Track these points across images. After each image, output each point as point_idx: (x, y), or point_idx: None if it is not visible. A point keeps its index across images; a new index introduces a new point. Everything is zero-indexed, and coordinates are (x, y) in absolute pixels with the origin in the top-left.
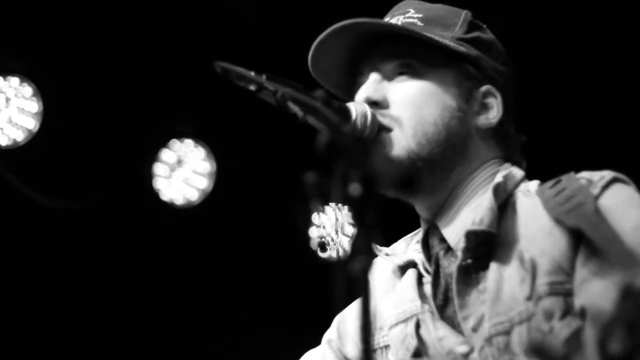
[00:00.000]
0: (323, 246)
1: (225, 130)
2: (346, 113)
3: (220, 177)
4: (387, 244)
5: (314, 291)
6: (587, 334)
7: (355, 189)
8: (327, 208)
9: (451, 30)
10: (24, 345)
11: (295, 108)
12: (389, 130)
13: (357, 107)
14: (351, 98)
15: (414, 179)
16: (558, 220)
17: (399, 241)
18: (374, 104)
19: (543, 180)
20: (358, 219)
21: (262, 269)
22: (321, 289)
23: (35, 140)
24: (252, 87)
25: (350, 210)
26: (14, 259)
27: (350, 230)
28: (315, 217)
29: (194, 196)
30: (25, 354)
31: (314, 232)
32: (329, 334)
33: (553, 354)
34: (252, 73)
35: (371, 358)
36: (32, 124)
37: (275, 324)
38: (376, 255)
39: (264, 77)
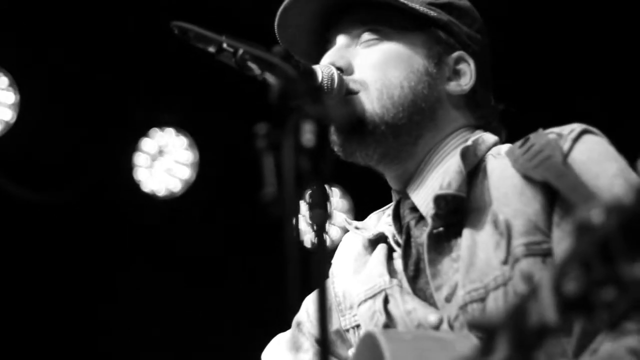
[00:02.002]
0: (275, 201)
1: (207, 118)
2: (311, 74)
3: (203, 167)
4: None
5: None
6: (543, 279)
7: (308, 139)
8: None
9: None
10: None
11: (255, 67)
12: (355, 93)
13: (323, 69)
14: None
15: (363, 119)
16: (526, 177)
17: (370, 216)
18: (339, 70)
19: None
20: (313, 171)
21: (245, 261)
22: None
23: (12, 132)
24: (212, 49)
25: (305, 160)
26: None
27: (306, 181)
28: (270, 170)
29: (176, 187)
30: (3, 350)
31: (270, 183)
32: (299, 317)
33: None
34: (211, 33)
35: (327, 333)
36: (9, 115)
37: (256, 313)
38: (346, 225)
39: (223, 37)
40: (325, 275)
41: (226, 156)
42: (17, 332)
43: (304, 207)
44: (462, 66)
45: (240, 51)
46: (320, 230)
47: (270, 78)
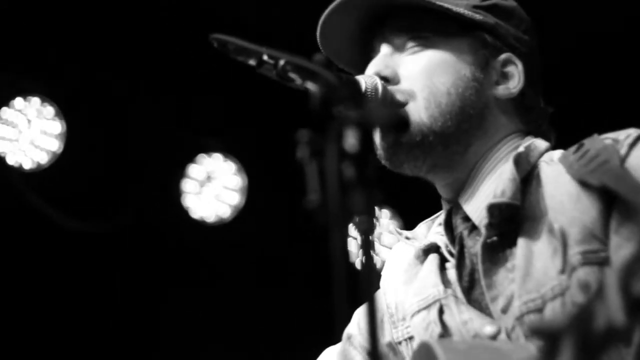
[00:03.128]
0: (319, 209)
1: (254, 142)
2: (355, 85)
3: (252, 192)
4: (411, 228)
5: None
6: (609, 278)
7: (351, 145)
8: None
9: None
10: None
11: (296, 77)
12: (403, 105)
13: (367, 80)
14: None
15: (406, 120)
16: (583, 182)
17: (420, 225)
18: (384, 79)
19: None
20: (357, 178)
21: (297, 283)
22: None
23: (58, 162)
24: (252, 62)
25: (348, 167)
26: (43, 284)
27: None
28: (315, 183)
29: (225, 213)
30: None
31: (313, 191)
32: (349, 330)
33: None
34: (252, 45)
35: (376, 334)
36: (56, 145)
37: (307, 336)
38: (396, 236)
39: (263, 48)
40: (373, 284)
41: (275, 180)
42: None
43: (350, 214)
44: (509, 69)
45: (282, 62)
46: (366, 238)
47: (312, 87)
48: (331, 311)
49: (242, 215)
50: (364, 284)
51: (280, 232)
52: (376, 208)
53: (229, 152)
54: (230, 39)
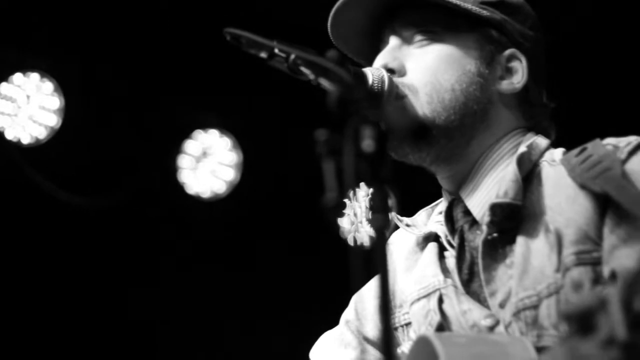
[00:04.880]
0: (337, 207)
1: (250, 118)
2: (362, 78)
3: (247, 168)
4: (410, 215)
5: (345, 275)
6: (612, 293)
7: (368, 145)
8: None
9: None
10: (48, 343)
11: (307, 72)
12: (402, 98)
13: (374, 72)
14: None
15: (426, 130)
16: (584, 187)
17: (419, 212)
18: (391, 71)
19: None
20: (373, 176)
21: (294, 260)
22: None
23: (57, 137)
24: (264, 55)
25: (364, 167)
26: (40, 258)
27: (366, 189)
28: (333, 181)
29: (221, 188)
30: (48, 351)
31: (331, 189)
32: (347, 315)
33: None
34: (263, 39)
35: (391, 333)
36: (54, 121)
37: (306, 310)
38: (396, 222)
39: (274, 42)
40: (386, 278)
41: (270, 157)
42: (66, 333)
43: (364, 211)
44: (514, 64)
45: (292, 56)
46: (380, 235)
47: (324, 83)
48: (324, 288)
49: (237, 191)
50: (376, 274)
51: (274, 208)
52: (391, 205)
53: (225, 128)
54: (243, 33)
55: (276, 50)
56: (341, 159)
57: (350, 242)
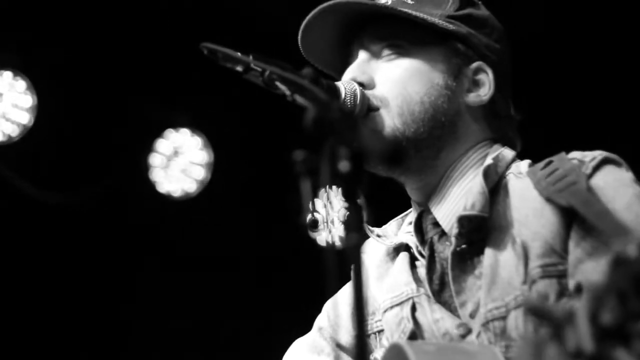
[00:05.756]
0: (314, 224)
1: (221, 118)
2: (335, 91)
3: (218, 167)
4: (379, 225)
5: (316, 277)
6: (579, 307)
7: (344, 165)
8: (321, 190)
9: (442, 7)
10: (22, 342)
11: (283, 87)
12: (375, 109)
13: (347, 86)
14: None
15: (400, 155)
16: (550, 200)
17: (390, 222)
18: (361, 85)
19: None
20: (348, 196)
21: (263, 258)
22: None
23: (29, 135)
24: (239, 68)
25: (340, 187)
26: (12, 254)
27: (342, 209)
28: (306, 195)
29: (191, 187)
30: (23, 351)
31: (306, 210)
32: (320, 321)
33: (551, 317)
34: (239, 54)
35: (365, 343)
36: (26, 119)
37: (275, 309)
38: (367, 233)
39: (250, 57)
40: (363, 296)
41: (241, 156)
42: (31, 332)
43: (340, 229)
44: (480, 76)
45: (267, 72)
46: (355, 253)
47: (299, 99)
48: (291, 290)
49: (208, 190)
50: (354, 295)
51: (245, 207)
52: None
53: (196, 127)
54: (219, 47)
55: (252, 65)
56: (318, 179)
57: (323, 243)
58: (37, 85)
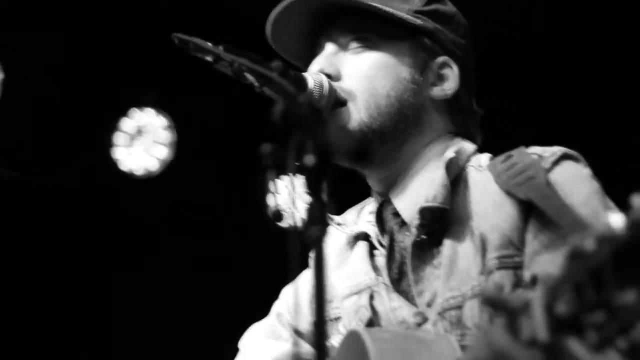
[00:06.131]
0: (278, 215)
1: (186, 99)
2: (302, 82)
3: (182, 147)
4: (338, 213)
5: (274, 260)
6: (535, 297)
7: (309, 159)
8: (284, 177)
9: (410, 2)
10: None
11: (252, 78)
12: (343, 102)
13: (314, 77)
14: None
15: (366, 151)
16: (509, 193)
17: (349, 211)
18: (327, 76)
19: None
20: (313, 189)
21: (222, 239)
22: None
23: None
24: (209, 58)
25: (305, 180)
26: None
27: (305, 199)
28: (272, 187)
29: (154, 166)
30: None
31: (271, 202)
32: (279, 307)
33: (506, 307)
34: (209, 44)
35: (324, 330)
36: None
37: (233, 292)
38: (328, 222)
39: (220, 48)
40: (323, 289)
41: (204, 137)
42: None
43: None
44: (446, 71)
45: (236, 64)
46: (317, 246)
47: (268, 91)
48: (254, 270)
49: (170, 169)
50: (314, 289)
51: (207, 187)
52: (328, 217)
53: (161, 107)
54: (190, 38)
55: (222, 56)
56: (284, 171)
57: (275, 223)
58: (3, 63)
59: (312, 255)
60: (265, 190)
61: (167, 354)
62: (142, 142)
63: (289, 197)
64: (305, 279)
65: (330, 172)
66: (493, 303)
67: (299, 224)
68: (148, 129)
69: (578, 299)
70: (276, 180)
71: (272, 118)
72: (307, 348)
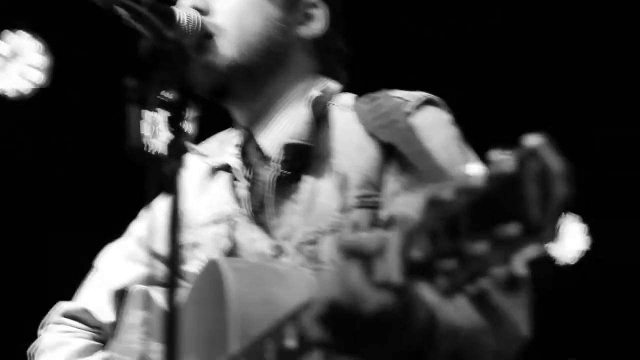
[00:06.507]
0: (139, 150)
1: (62, 23)
2: (171, 17)
3: (56, 72)
4: (198, 141)
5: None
6: (391, 240)
7: (171, 94)
8: (147, 111)
9: None
10: None
11: (122, 11)
12: (212, 37)
13: (184, 11)
14: None
15: (231, 87)
16: (372, 135)
17: (210, 140)
18: (198, 11)
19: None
20: (173, 124)
21: (88, 168)
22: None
23: None
24: None
25: (165, 114)
26: None
27: (165, 134)
28: (134, 120)
29: (27, 89)
30: None
31: (132, 135)
32: (136, 229)
33: (362, 250)
34: None
35: (177, 259)
36: None
37: (95, 221)
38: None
39: None
40: (179, 219)
41: (80, 63)
42: None
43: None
44: (314, 11)
45: None
46: (172, 180)
47: (137, 25)
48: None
49: (43, 94)
50: (169, 221)
51: (80, 114)
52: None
53: (36, 31)
54: None
55: None
56: (146, 106)
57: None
58: None
59: (168, 184)
60: (128, 123)
61: None
62: (16, 65)
63: (151, 130)
64: (162, 203)
65: (192, 108)
66: (349, 250)
67: (159, 156)
68: (23, 53)
69: (432, 246)
70: (139, 113)
71: (139, 52)
72: (163, 270)
